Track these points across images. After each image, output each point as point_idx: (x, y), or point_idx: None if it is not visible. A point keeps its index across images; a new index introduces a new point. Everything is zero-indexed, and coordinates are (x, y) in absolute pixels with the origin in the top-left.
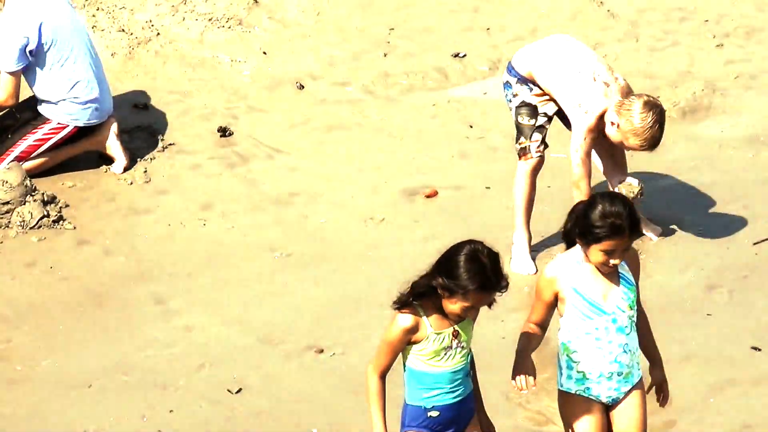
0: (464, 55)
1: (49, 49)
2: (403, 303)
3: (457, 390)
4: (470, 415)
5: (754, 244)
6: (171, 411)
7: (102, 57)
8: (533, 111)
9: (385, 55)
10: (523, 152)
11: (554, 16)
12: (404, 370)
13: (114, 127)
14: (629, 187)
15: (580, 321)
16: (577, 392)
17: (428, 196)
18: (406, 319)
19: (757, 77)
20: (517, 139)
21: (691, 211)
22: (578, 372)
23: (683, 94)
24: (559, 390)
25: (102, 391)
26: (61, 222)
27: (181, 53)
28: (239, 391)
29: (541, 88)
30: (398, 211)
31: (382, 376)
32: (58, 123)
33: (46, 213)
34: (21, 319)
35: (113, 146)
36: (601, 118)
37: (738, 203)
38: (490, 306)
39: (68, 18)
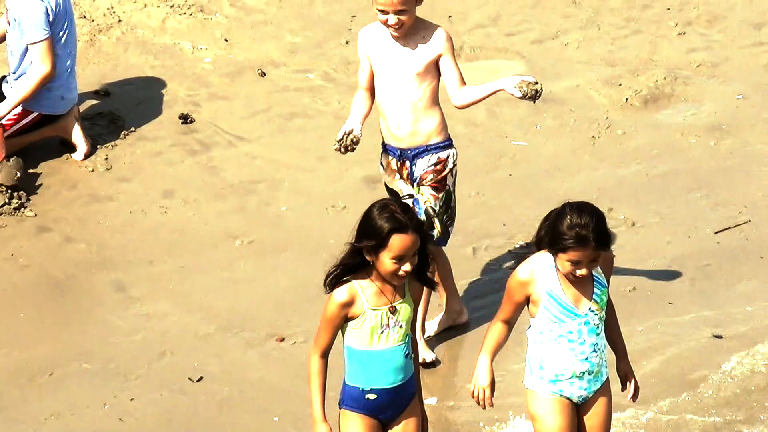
0: None
1: (56, 25)
2: (333, 278)
3: (396, 374)
4: (410, 399)
5: (716, 232)
6: (132, 399)
7: None
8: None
9: (347, 43)
10: None
11: (516, 3)
12: (344, 349)
13: (75, 111)
14: (529, 85)
15: (553, 323)
16: (551, 392)
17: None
18: (341, 293)
19: (718, 65)
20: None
21: (653, 200)
22: (550, 373)
23: (645, 82)
24: (528, 390)
25: (63, 380)
26: (22, 209)
27: (142, 40)
28: (200, 379)
29: None
30: (360, 199)
31: (324, 355)
32: (23, 108)
33: (6, 200)
34: None
35: (74, 132)
36: None
37: (700, 191)
38: (427, 264)
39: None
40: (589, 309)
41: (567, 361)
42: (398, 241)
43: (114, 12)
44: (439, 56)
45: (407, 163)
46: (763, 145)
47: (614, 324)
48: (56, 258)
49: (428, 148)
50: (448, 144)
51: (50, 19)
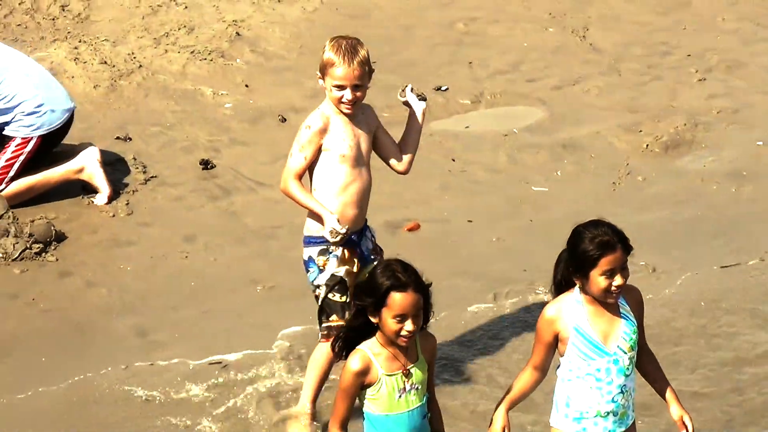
0: (446, 89)
1: None
2: (341, 343)
3: None
4: None
5: (722, 267)
6: None
7: (84, 89)
8: (344, 286)
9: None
10: (329, 333)
11: (537, 50)
12: (363, 417)
13: (96, 155)
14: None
15: (581, 361)
16: (574, 431)
17: (410, 229)
18: (355, 362)
19: (739, 111)
20: (321, 316)
21: (674, 246)
22: (575, 411)
23: (666, 129)
24: (552, 428)
25: (85, 425)
26: (43, 254)
27: (163, 85)
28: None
29: None
30: (381, 245)
31: (343, 427)
32: (22, 138)
33: (28, 245)
34: (3, 350)
35: (97, 176)
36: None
37: (721, 238)
38: (425, 320)
39: None
40: (618, 347)
41: (592, 399)
42: (398, 300)
43: (135, 58)
44: (377, 128)
45: (356, 247)
46: None
47: (657, 370)
48: (77, 302)
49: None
50: None
51: None
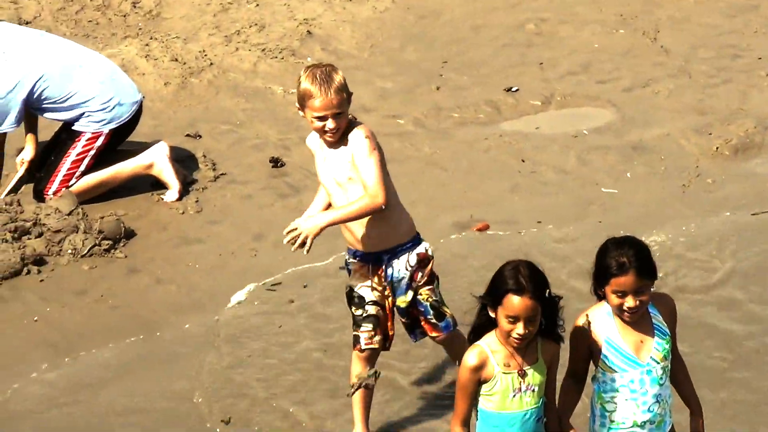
0: (516, 90)
1: (45, 90)
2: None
3: None
4: None
5: (752, 214)
6: None
7: (155, 86)
8: (362, 300)
9: (437, 89)
10: (354, 341)
11: (607, 51)
12: (476, 415)
13: (166, 151)
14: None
15: (615, 373)
16: None
17: (479, 230)
18: (472, 357)
19: None
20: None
21: (743, 248)
22: (611, 421)
23: (735, 131)
24: None
25: (154, 419)
26: (112, 251)
27: (234, 83)
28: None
29: None
30: (448, 245)
31: (465, 424)
32: (92, 133)
33: (97, 242)
34: (71, 347)
35: (166, 171)
36: None
37: None
38: (550, 328)
39: (48, 51)
40: (651, 358)
41: (628, 410)
42: (513, 302)
43: (206, 55)
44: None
45: (382, 266)
46: None
47: (685, 379)
48: (146, 299)
49: (401, 248)
50: (417, 240)
51: (26, 101)
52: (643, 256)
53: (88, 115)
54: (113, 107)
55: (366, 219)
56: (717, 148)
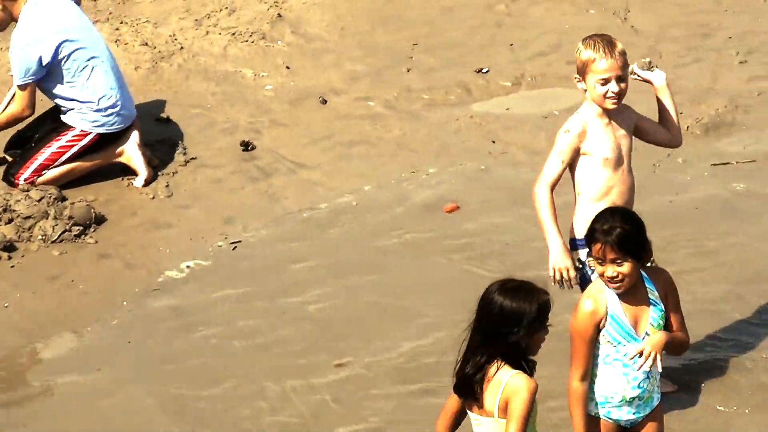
0: (487, 71)
1: (65, 61)
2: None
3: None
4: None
5: (712, 165)
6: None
7: (125, 70)
8: None
9: (408, 71)
10: None
11: (578, 32)
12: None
13: (136, 138)
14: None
15: (611, 347)
16: (596, 415)
17: (449, 211)
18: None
19: None
20: None
21: (718, 226)
22: (600, 396)
23: (706, 111)
24: None
25: (125, 404)
26: (82, 236)
27: (204, 67)
28: None
29: None
30: (420, 225)
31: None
32: (81, 130)
33: (67, 227)
34: (42, 332)
35: (135, 158)
36: None
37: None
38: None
39: (83, 29)
40: (646, 332)
41: (618, 385)
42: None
43: (176, 39)
44: (638, 121)
45: None
46: None
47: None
48: (116, 284)
49: None
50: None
51: (46, 64)
52: (627, 229)
53: (85, 112)
54: (112, 114)
55: (632, 195)
56: (688, 127)
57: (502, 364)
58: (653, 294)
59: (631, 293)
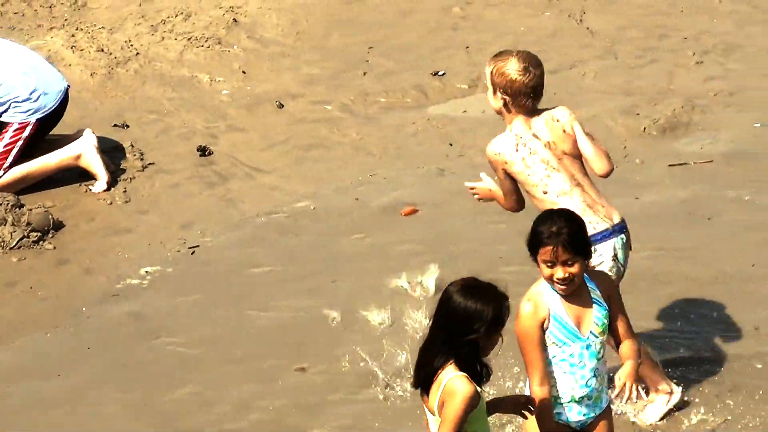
0: (443, 74)
1: None
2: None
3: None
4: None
5: (670, 165)
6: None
7: (81, 77)
8: None
9: (364, 74)
10: None
11: (533, 34)
12: None
13: (94, 141)
14: None
15: (556, 348)
16: None
17: (406, 214)
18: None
19: (735, 94)
20: None
21: (672, 228)
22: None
23: (663, 111)
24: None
25: (83, 409)
26: (41, 242)
27: (160, 72)
28: None
29: None
30: (378, 229)
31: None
32: (19, 123)
33: (25, 234)
34: (1, 339)
35: (95, 163)
36: None
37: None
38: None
39: None
40: (591, 332)
41: (567, 385)
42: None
43: (132, 45)
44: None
45: None
46: None
47: (630, 339)
48: (75, 290)
49: None
50: None
51: None
52: (575, 228)
53: (15, 106)
54: (38, 97)
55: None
56: (645, 128)
57: (449, 363)
58: (595, 293)
59: (575, 293)
